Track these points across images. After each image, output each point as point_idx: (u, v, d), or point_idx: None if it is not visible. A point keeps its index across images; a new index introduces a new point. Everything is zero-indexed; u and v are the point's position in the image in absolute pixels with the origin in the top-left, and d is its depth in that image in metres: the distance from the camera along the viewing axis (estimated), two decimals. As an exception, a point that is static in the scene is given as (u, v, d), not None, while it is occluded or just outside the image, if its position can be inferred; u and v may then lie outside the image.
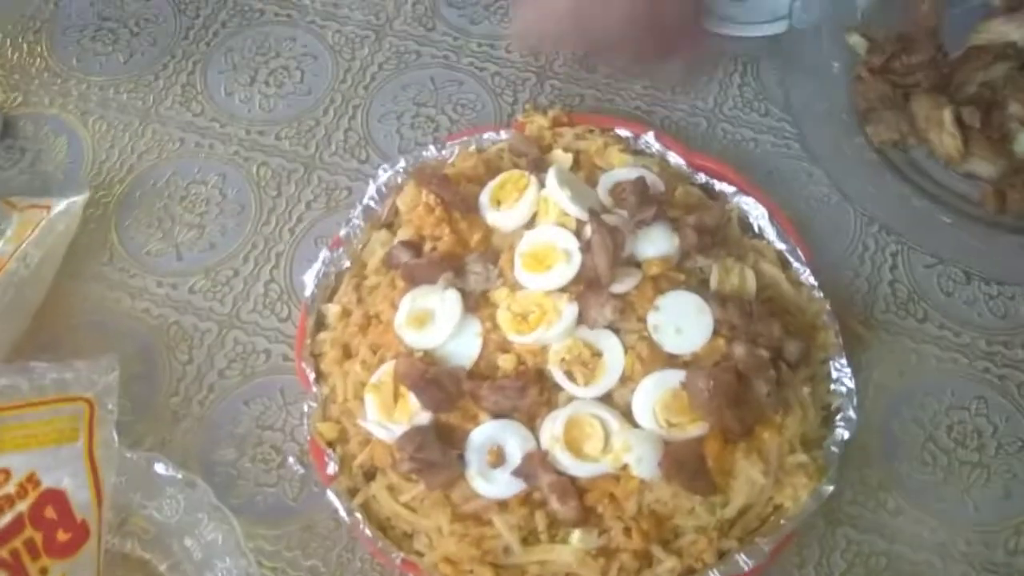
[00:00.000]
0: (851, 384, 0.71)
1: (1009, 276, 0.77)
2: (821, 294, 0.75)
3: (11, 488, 0.64)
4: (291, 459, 0.75)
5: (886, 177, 0.80)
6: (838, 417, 0.71)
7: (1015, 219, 0.77)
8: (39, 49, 0.96)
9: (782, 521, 0.66)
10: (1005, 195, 0.77)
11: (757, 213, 0.79)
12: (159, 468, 0.70)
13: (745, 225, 0.80)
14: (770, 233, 0.78)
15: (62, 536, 0.64)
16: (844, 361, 0.72)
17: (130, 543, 0.71)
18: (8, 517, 0.63)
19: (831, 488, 0.67)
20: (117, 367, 0.71)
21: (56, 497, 0.65)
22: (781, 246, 0.77)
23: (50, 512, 0.65)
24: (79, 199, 0.82)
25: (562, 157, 0.80)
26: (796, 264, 0.77)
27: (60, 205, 0.81)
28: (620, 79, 0.92)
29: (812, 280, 0.76)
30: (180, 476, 0.70)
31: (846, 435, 0.69)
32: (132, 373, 0.78)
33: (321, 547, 0.72)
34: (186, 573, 0.69)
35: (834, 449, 0.69)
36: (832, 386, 0.72)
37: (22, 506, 0.64)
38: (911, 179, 0.81)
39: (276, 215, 0.86)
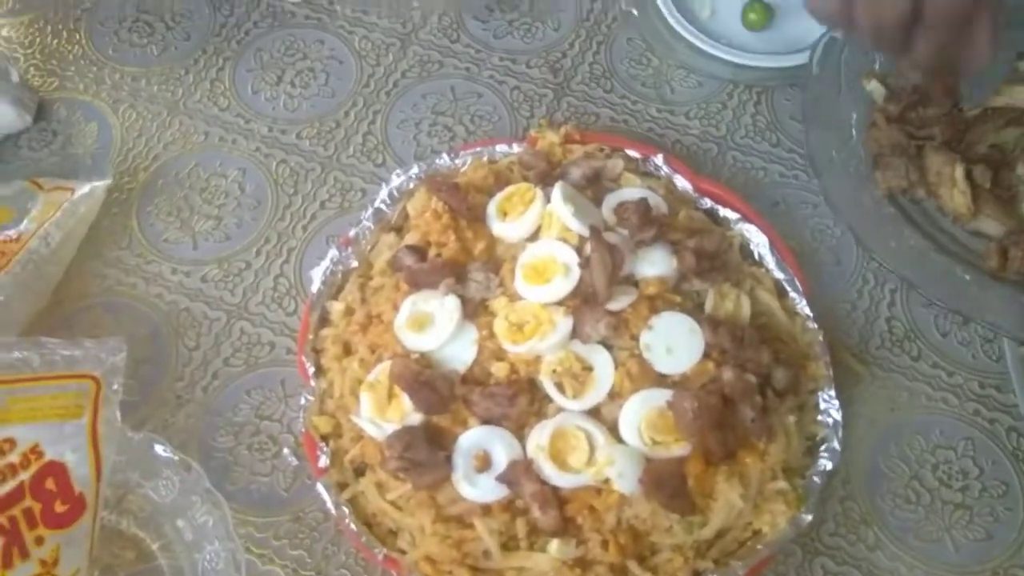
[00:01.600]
0: (838, 416, 0.72)
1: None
2: (815, 325, 0.76)
3: (15, 457, 0.67)
4: (286, 450, 0.77)
5: (904, 231, 0.80)
6: (822, 448, 0.71)
7: (1016, 276, 0.77)
8: (78, 37, 0.99)
9: (759, 546, 0.67)
10: (1007, 252, 0.77)
11: (759, 241, 0.80)
12: (158, 449, 0.73)
13: (746, 252, 0.81)
14: (770, 262, 0.79)
15: (60, 507, 0.66)
16: (833, 393, 0.73)
17: (125, 520, 0.73)
18: (10, 485, 0.66)
19: (809, 517, 0.68)
20: (125, 348, 0.74)
21: (57, 470, 0.68)
22: (780, 275, 0.79)
23: (50, 484, 0.67)
24: (102, 184, 0.85)
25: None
26: (793, 294, 0.78)
27: (84, 188, 0.84)
28: (636, 100, 0.93)
29: (807, 311, 0.77)
30: (177, 459, 0.72)
31: (829, 466, 0.70)
32: (141, 356, 0.81)
33: (308, 538, 0.74)
34: (176, 553, 0.72)
35: (816, 479, 0.70)
36: (819, 417, 0.73)
37: (24, 476, 0.66)
38: (928, 232, 0.80)
39: (291, 212, 0.89)
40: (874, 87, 0.85)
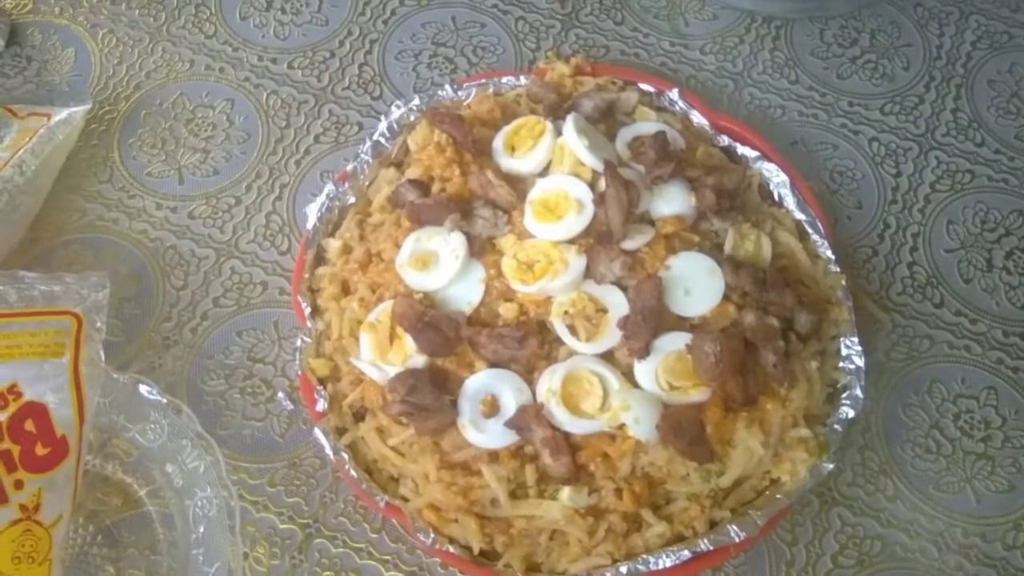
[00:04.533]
0: (860, 363, 0.69)
1: None
2: (838, 268, 0.72)
3: (-9, 398, 0.63)
4: (281, 394, 0.73)
5: None
6: (844, 395, 0.68)
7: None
8: (52, -43, 0.93)
9: (778, 495, 0.64)
10: None
11: (779, 181, 0.76)
12: (145, 391, 0.69)
13: (765, 192, 0.77)
14: (790, 202, 0.75)
15: (40, 450, 0.63)
16: (855, 339, 0.70)
17: (111, 465, 0.70)
18: (-14, 426, 0.62)
19: (831, 466, 0.65)
20: (108, 284, 0.69)
21: (37, 411, 0.64)
22: (800, 216, 0.75)
23: (30, 425, 0.63)
24: (80, 110, 0.80)
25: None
26: (815, 236, 0.74)
27: (61, 115, 0.78)
28: (648, 33, 0.89)
29: (830, 254, 0.73)
30: (165, 401, 0.68)
31: (851, 414, 0.67)
32: (125, 295, 0.77)
33: (305, 485, 0.70)
34: (165, 499, 0.68)
35: (837, 427, 0.67)
36: (841, 363, 0.69)
37: (1, 416, 0.62)
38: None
39: (283, 146, 0.84)
40: None
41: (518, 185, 0.72)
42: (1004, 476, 0.70)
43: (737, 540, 0.63)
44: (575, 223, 0.68)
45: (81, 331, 0.67)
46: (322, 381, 0.70)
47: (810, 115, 0.85)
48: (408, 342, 0.66)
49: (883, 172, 0.82)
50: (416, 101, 0.80)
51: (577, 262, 0.67)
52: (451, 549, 0.64)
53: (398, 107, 0.80)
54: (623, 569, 0.62)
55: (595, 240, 0.68)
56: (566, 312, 0.66)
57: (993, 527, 0.69)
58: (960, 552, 0.68)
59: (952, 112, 0.86)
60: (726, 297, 0.67)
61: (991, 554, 0.68)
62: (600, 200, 0.68)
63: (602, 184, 0.68)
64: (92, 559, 0.67)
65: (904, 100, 0.86)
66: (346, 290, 0.72)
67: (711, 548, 0.63)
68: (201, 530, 0.66)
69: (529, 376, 0.66)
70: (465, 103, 0.80)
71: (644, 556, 0.62)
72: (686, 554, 0.62)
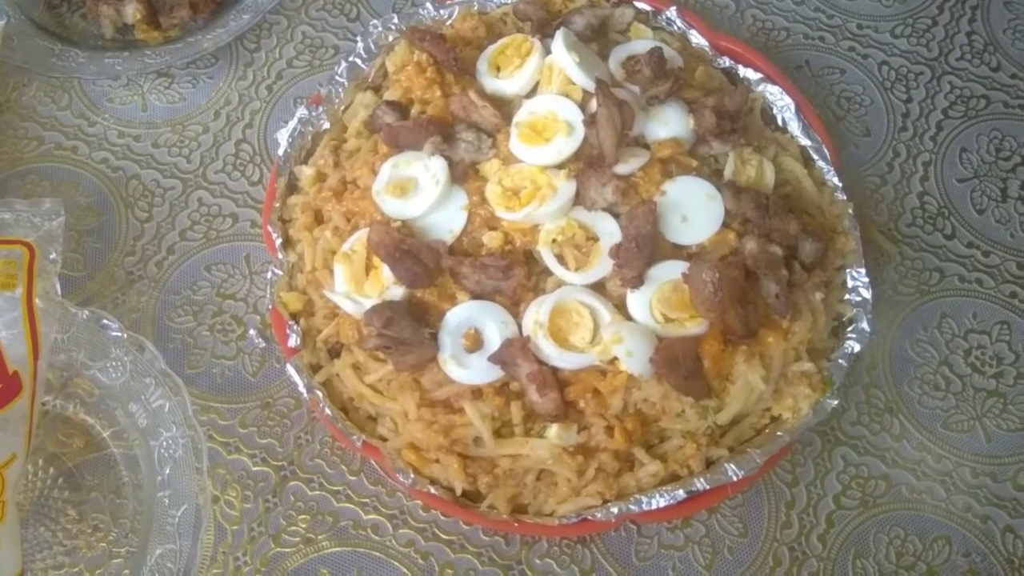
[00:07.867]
0: (867, 295, 0.65)
1: None
2: (844, 196, 0.68)
3: (-65, 331, 0.58)
4: (252, 331, 0.69)
5: None
6: (850, 329, 0.64)
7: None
8: None
9: (778, 433, 0.61)
10: None
11: (783, 104, 0.71)
12: (106, 327, 0.64)
13: (768, 117, 0.72)
14: (795, 127, 0.71)
15: (-10, 387, 0.59)
16: (863, 270, 0.66)
17: (72, 405, 0.66)
18: (-69, 362, 0.57)
19: (835, 403, 0.62)
20: (63, 212, 0.65)
21: (-13, 346, 0.59)
22: (805, 142, 0.70)
23: (-21, 361, 0.59)
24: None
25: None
26: (820, 162, 0.69)
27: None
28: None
29: (836, 180, 0.69)
30: (127, 337, 0.64)
31: (856, 348, 0.64)
32: (85, 227, 0.72)
33: (278, 426, 0.66)
34: (129, 440, 0.64)
35: (842, 362, 0.63)
36: (847, 295, 0.65)
37: (-53, 352, 0.58)
38: None
39: (253, 70, 0.79)
40: None
41: (503, 107, 0.67)
42: (1016, 414, 0.67)
43: (735, 479, 0.59)
44: (564, 146, 0.64)
45: (34, 262, 0.62)
46: (294, 316, 0.66)
47: (816, 38, 0.80)
48: (385, 273, 0.62)
49: (893, 98, 0.78)
50: (395, 19, 0.74)
51: (566, 187, 0.63)
52: (432, 490, 0.60)
53: (376, 27, 0.74)
54: (614, 510, 0.58)
55: (586, 164, 0.63)
56: (554, 240, 0.62)
57: (1004, 467, 0.65)
58: (969, 492, 0.64)
59: (967, 35, 0.81)
60: (726, 224, 0.62)
61: (1001, 494, 0.64)
62: (591, 121, 0.63)
63: (593, 105, 0.64)
64: (53, 503, 0.64)
65: (916, 22, 0.81)
66: (319, 220, 0.68)
67: (707, 488, 0.59)
68: (167, 472, 0.62)
69: (515, 308, 0.62)
70: (448, 22, 0.75)
71: (636, 496, 0.59)
72: (681, 494, 0.59)
